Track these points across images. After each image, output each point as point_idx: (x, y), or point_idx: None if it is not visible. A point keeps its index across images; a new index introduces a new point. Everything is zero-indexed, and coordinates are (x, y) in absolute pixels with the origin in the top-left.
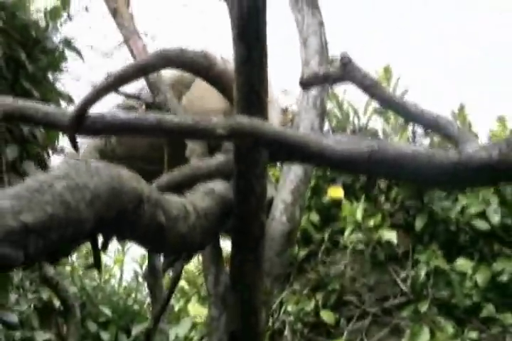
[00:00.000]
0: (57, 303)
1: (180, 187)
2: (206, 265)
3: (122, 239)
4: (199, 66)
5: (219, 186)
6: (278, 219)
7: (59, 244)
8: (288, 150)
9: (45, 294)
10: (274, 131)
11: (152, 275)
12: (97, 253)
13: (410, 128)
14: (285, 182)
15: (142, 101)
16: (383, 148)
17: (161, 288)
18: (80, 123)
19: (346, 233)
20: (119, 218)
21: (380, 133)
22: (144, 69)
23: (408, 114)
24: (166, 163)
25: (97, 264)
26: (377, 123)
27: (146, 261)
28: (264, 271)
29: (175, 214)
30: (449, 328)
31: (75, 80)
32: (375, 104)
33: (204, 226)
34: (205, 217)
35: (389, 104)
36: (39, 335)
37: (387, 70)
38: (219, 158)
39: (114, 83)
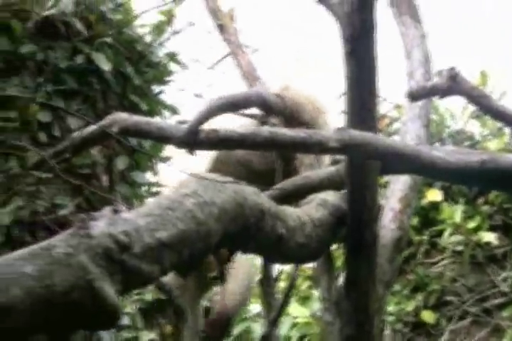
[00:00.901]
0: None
1: (292, 196)
2: (319, 272)
3: (245, 251)
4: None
5: (331, 197)
6: (388, 226)
7: (190, 258)
8: (400, 162)
9: (149, 295)
10: (387, 144)
11: (267, 283)
12: (221, 266)
13: (508, 131)
14: (394, 191)
15: (257, 119)
16: (494, 158)
17: (275, 296)
18: (196, 138)
19: (445, 235)
20: (243, 231)
21: (477, 137)
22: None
23: None
24: (279, 174)
25: (221, 278)
26: (474, 128)
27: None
28: (376, 278)
29: (292, 225)
30: None
31: (180, 91)
32: (471, 108)
33: (320, 235)
34: (320, 227)
35: (496, 113)
36: (144, 335)
37: (484, 75)
38: (329, 169)
39: (224, 107)
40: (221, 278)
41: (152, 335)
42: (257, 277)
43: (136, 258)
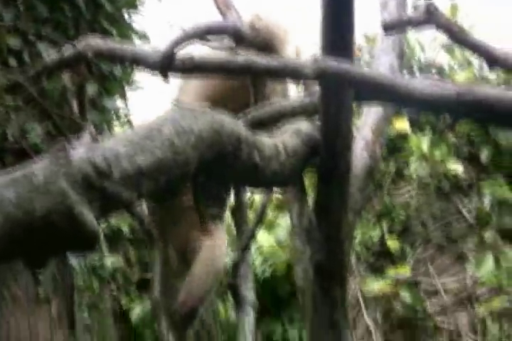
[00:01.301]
0: (125, 230)
1: (264, 124)
2: (291, 199)
3: (221, 178)
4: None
5: (305, 126)
6: (359, 156)
7: (167, 186)
8: (376, 91)
9: (114, 221)
10: (363, 73)
11: (239, 210)
12: (197, 194)
13: (476, 63)
14: (366, 121)
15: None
16: (470, 89)
17: (246, 222)
18: (170, 62)
19: (412, 164)
20: (220, 159)
21: (447, 68)
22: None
23: (490, 58)
24: (251, 102)
25: (197, 204)
26: (443, 59)
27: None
28: (348, 206)
29: (268, 154)
30: None
31: (152, 20)
32: (441, 39)
33: (293, 164)
34: (294, 156)
35: (472, 47)
36: (108, 260)
37: (454, 7)
38: (302, 98)
39: (199, 33)
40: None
41: (117, 260)
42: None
43: (115, 184)
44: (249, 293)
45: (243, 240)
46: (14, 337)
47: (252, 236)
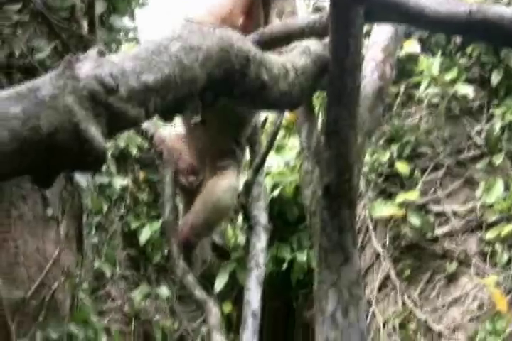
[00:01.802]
0: (133, 150)
1: (272, 43)
2: (300, 121)
3: (229, 97)
4: None
5: (314, 45)
6: (369, 76)
7: (174, 104)
8: (385, 8)
9: (122, 141)
10: None
11: (253, 131)
12: (205, 112)
13: None
14: (375, 41)
15: None
16: (482, 9)
17: (260, 143)
18: None
19: (422, 87)
20: (227, 77)
21: None
22: None
23: None
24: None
25: (204, 123)
26: None
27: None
28: (357, 127)
29: (276, 72)
30: None
31: None
32: None
33: (302, 84)
34: (302, 75)
35: None
36: (117, 180)
37: None
38: (311, 17)
39: None
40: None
41: (126, 181)
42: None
43: (122, 101)
44: (260, 214)
45: (256, 161)
46: (22, 256)
47: (265, 157)
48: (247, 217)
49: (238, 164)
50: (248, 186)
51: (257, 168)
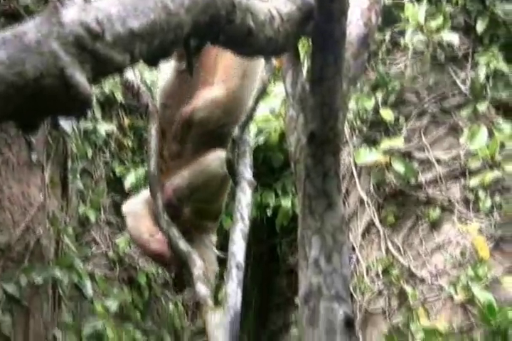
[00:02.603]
0: (119, 97)
1: None
2: (285, 67)
3: (215, 43)
4: None
5: None
6: (354, 23)
7: (160, 49)
8: None
9: (107, 88)
10: None
11: None
12: (190, 58)
13: None
14: None
15: None
16: None
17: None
18: None
19: (407, 34)
20: (213, 23)
21: None
22: None
23: None
24: None
25: (190, 69)
26: None
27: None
28: (343, 73)
29: (262, 18)
30: (507, 129)
31: None
32: None
33: (287, 30)
34: (288, 22)
35: None
36: (102, 126)
37: None
38: None
39: None
40: (190, 70)
41: (111, 127)
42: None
43: (108, 46)
44: (246, 170)
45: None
46: (7, 201)
47: (253, 113)
48: (233, 173)
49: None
50: (234, 142)
51: (244, 124)
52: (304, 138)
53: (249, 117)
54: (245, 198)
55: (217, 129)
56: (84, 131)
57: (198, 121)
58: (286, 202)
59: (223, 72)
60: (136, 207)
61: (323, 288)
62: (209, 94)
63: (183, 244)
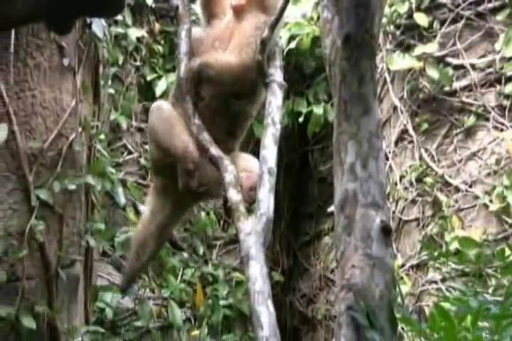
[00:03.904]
0: (149, 1)
1: None
2: None
3: None
4: None
5: None
6: None
7: None
8: None
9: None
10: None
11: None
12: None
13: None
14: None
15: None
16: None
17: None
18: None
19: None
20: None
21: None
22: None
23: None
24: None
25: None
26: None
27: None
28: None
29: None
30: None
31: None
32: None
33: None
34: None
35: None
36: (133, 32)
37: None
38: None
39: None
40: None
41: (141, 32)
42: None
43: None
44: (276, 72)
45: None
46: (39, 106)
47: (282, 13)
48: (263, 75)
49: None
50: (264, 43)
51: (274, 24)
52: (339, 40)
53: (279, 17)
54: (276, 101)
55: (228, 89)
56: (115, 36)
57: (206, 78)
58: (318, 109)
59: (238, 40)
60: (165, 108)
61: (359, 194)
62: (223, 57)
63: (214, 149)
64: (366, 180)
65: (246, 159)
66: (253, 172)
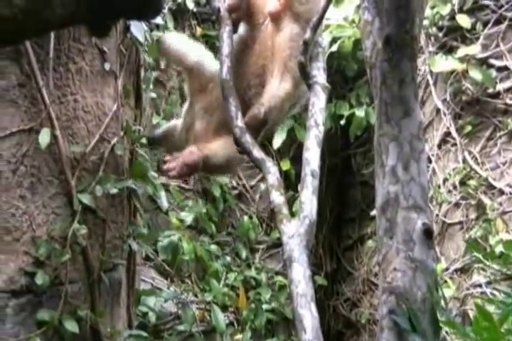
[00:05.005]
0: (191, 5)
1: None
2: None
3: None
4: None
5: None
6: None
7: None
8: None
9: None
10: None
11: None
12: None
13: None
14: None
15: None
16: None
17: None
18: None
19: None
20: None
21: None
22: None
23: None
24: None
25: None
26: None
27: None
28: None
29: None
30: None
31: None
32: None
33: None
34: None
35: None
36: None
37: None
38: None
39: None
40: None
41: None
42: None
43: None
44: (320, 73)
45: (314, 19)
46: (81, 111)
47: (324, 14)
48: (306, 76)
49: None
50: (307, 45)
51: (316, 25)
52: (379, 42)
53: (321, 18)
54: (319, 103)
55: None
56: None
57: (272, 119)
58: (359, 112)
59: (280, 57)
60: None
61: (401, 197)
62: (280, 92)
63: (257, 152)
64: (408, 182)
65: None
66: None
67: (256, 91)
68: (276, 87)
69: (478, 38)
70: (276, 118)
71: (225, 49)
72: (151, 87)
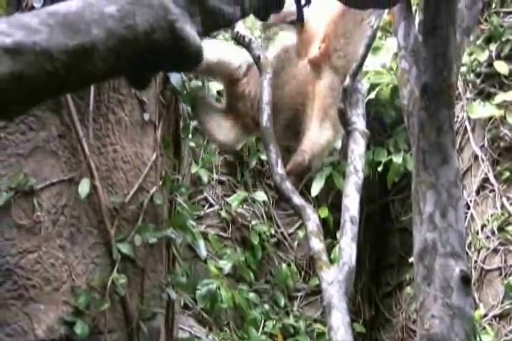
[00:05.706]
0: None
1: None
2: (397, 20)
3: None
4: None
5: None
6: None
7: (271, 1)
8: None
9: None
10: None
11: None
12: (300, 8)
13: None
14: None
15: None
16: None
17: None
18: None
19: None
20: None
21: None
22: None
23: None
24: None
25: (301, 19)
26: None
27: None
28: (456, 24)
29: None
30: None
31: None
32: None
33: None
34: None
35: None
36: (212, 84)
37: None
38: None
39: None
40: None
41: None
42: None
43: None
44: (359, 120)
45: (353, 66)
46: (121, 161)
47: (363, 61)
48: (345, 122)
49: None
50: (346, 91)
51: (355, 72)
52: (417, 90)
53: (360, 65)
54: (358, 149)
55: None
56: (197, 87)
57: (315, 166)
58: (397, 158)
59: (320, 106)
60: None
61: (439, 244)
62: (321, 140)
63: (297, 198)
64: (445, 229)
65: None
66: None
67: (288, 123)
68: (318, 135)
69: None
70: (317, 166)
71: (266, 97)
72: (190, 136)
